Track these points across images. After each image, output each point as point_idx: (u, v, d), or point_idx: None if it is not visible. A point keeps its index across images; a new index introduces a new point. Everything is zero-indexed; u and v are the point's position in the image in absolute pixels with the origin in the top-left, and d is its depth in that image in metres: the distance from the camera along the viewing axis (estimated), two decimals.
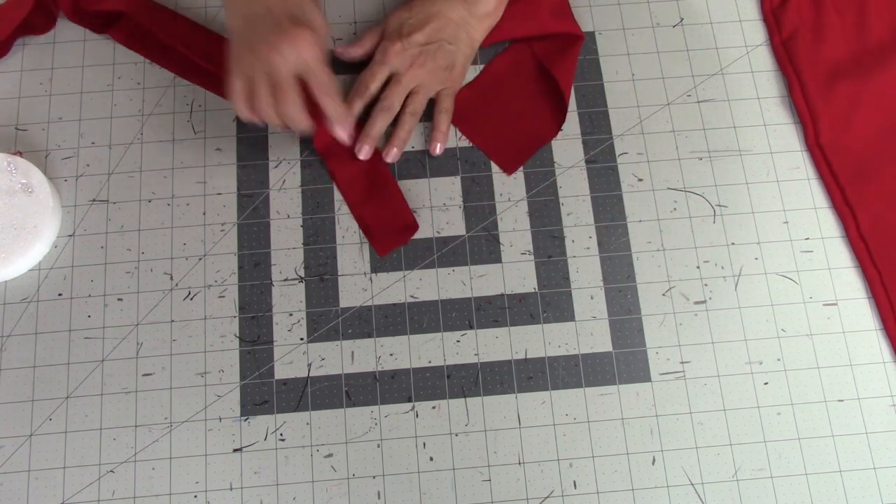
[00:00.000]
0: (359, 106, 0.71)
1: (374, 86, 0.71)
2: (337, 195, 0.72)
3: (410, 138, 0.72)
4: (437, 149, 0.72)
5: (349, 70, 0.75)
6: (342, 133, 0.66)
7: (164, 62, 0.75)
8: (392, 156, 0.71)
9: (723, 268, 0.70)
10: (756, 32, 0.79)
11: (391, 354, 0.67)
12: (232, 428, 0.65)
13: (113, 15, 0.75)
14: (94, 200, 0.71)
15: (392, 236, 0.70)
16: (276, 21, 0.58)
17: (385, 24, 0.73)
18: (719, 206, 0.72)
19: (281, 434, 0.65)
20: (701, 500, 0.64)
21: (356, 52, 0.73)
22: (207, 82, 0.74)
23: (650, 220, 0.72)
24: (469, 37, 0.72)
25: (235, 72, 0.61)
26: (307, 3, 0.61)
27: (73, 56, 0.76)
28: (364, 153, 0.70)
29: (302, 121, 0.62)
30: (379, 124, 0.70)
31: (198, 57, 0.73)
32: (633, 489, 0.64)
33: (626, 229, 0.71)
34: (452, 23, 0.71)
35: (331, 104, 0.63)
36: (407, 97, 0.71)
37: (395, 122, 0.72)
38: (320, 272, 0.70)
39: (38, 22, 0.75)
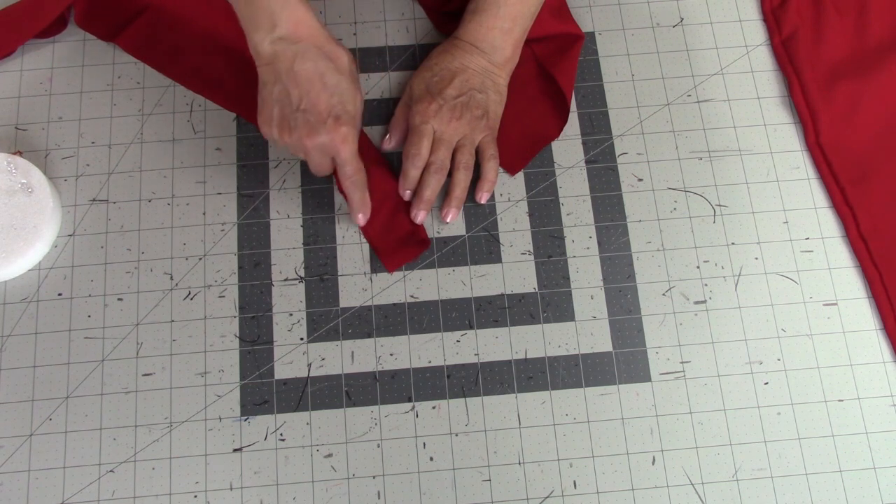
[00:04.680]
0: (415, 174, 0.70)
1: (425, 148, 0.69)
2: (337, 195, 0.72)
3: (466, 196, 0.71)
4: (485, 198, 0.71)
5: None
6: (362, 220, 0.68)
7: (170, 72, 0.75)
8: (452, 216, 0.70)
9: (723, 268, 0.70)
10: (756, 32, 0.79)
11: (391, 354, 0.67)
12: (232, 428, 0.65)
13: (122, 22, 0.75)
14: (94, 200, 0.71)
15: (402, 251, 0.70)
16: (320, 118, 0.61)
17: (409, 90, 0.73)
18: (719, 206, 0.72)
19: (281, 434, 0.65)
20: (701, 500, 0.64)
21: (395, 137, 0.73)
22: (215, 95, 0.74)
23: (650, 220, 0.72)
24: (494, 83, 0.72)
25: (269, 139, 0.64)
26: (352, 100, 0.63)
27: (73, 56, 0.76)
28: (420, 218, 0.70)
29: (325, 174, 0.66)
30: (433, 185, 0.69)
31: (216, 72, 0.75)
32: (633, 489, 0.64)
33: (626, 229, 0.71)
34: (476, 72, 0.71)
35: (356, 194, 0.66)
36: (453, 153, 0.71)
37: (449, 181, 0.71)
38: (320, 272, 0.70)
39: (51, 27, 0.75)
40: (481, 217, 0.72)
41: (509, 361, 0.67)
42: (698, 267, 0.70)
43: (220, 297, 0.69)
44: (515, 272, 0.70)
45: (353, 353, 0.67)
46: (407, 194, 0.70)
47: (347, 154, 0.62)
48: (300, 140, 0.61)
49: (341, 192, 0.71)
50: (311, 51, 0.61)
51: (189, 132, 0.74)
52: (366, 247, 0.70)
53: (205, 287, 0.69)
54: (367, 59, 0.77)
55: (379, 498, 0.64)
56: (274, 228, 0.71)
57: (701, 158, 0.74)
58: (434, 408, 0.66)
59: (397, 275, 0.70)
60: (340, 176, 0.65)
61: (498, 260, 0.70)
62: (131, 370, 0.66)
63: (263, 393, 0.66)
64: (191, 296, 0.69)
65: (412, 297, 0.69)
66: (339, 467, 0.64)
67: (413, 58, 0.77)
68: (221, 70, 0.75)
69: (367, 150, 0.72)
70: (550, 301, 0.69)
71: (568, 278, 0.70)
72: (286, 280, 0.69)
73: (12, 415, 0.65)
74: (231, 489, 0.64)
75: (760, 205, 0.72)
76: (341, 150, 0.62)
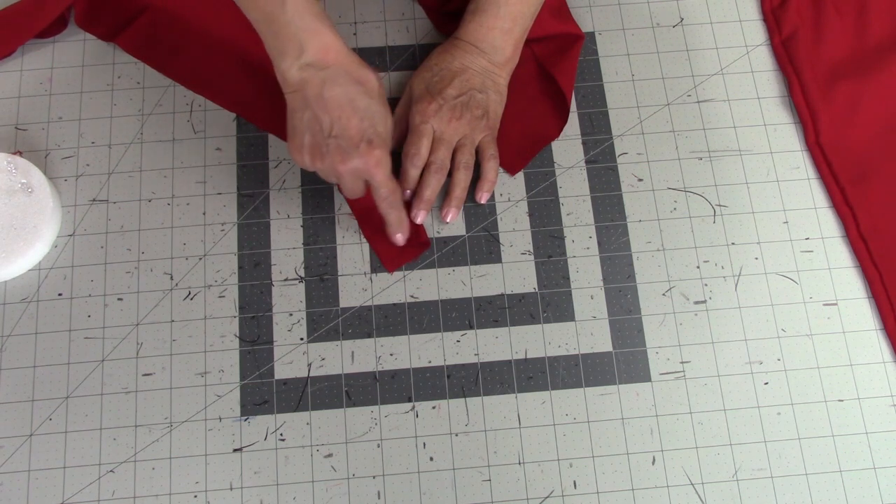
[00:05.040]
0: (414, 174, 0.69)
1: (424, 148, 0.69)
2: (337, 195, 0.72)
3: (466, 196, 0.71)
4: (485, 198, 0.71)
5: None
6: (401, 239, 0.68)
7: (170, 72, 0.75)
8: (452, 216, 0.70)
9: (723, 268, 0.70)
10: (756, 32, 0.79)
11: (391, 354, 0.67)
12: (232, 428, 0.65)
13: (122, 22, 0.75)
14: (94, 200, 0.71)
15: (402, 252, 0.70)
16: (352, 143, 0.61)
17: (410, 90, 0.73)
18: (719, 206, 0.72)
19: (281, 434, 0.65)
20: (701, 500, 0.64)
21: (395, 137, 0.72)
22: (215, 95, 0.74)
23: (650, 220, 0.72)
24: (494, 83, 0.72)
25: (301, 166, 0.64)
26: (382, 123, 0.63)
27: (73, 56, 0.76)
28: (421, 218, 0.70)
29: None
30: (434, 185, 0.69)
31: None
32: (633, 489, 0.64)
33: (626, 229, 0.71)
34: (476, 72, 0.71)
35: (393, 214, 0.66)
36: (453, 153, 0.71)
37: (449, 181, 0.71)
38: (320, 272, 0.70)
39: (51, 27, 0.75)
40: (481, 217, 0.72)
41: (509, 361, 0.67)
42: (698, 267, 0.70)
43: (220, 297, 0.69)
44: (515, 272, 0.70)
45: (353, 353, 0.67)
46: (406, 194, 0.70)
47: (382, 177, 0.63)
48: (333, 166, 0.61)
49: (341, 192, 0.71)
50: (340, 76, 0.61)
51: (189, 132, 0.74)
52: (366, 247, 0.70)
53: (205, 287, 0.69)
54: (367, 59, 0.76)
55: (379, 498, 0.64)
56: (274, 228, 0.71)
57: (701, 158, 0.74)
58: (434, 408, 0.66)
59: (397, 275, 0.70)
60: (376, 197, 0.65)
61: (498, 260, 0.70)
62: (131, 370, 0.66)
63: (263, 393, 0.66)
64: (191, 296, 0.69)
65: (412, 297, 0.69)
66: (339, 467, 0.64)
67: (413, 58, 0.77)
68: (221, 70, 0.75)
69: None
70: (550, 301, 0.69)
71: (568, 278, 0.70)
72: (286, 280, 0.69)
73: (12, 415, 0.65)
74: (231, 489, 0.64)
75: (760, 205, 0.72)
76: (376, 174, 0.62)
